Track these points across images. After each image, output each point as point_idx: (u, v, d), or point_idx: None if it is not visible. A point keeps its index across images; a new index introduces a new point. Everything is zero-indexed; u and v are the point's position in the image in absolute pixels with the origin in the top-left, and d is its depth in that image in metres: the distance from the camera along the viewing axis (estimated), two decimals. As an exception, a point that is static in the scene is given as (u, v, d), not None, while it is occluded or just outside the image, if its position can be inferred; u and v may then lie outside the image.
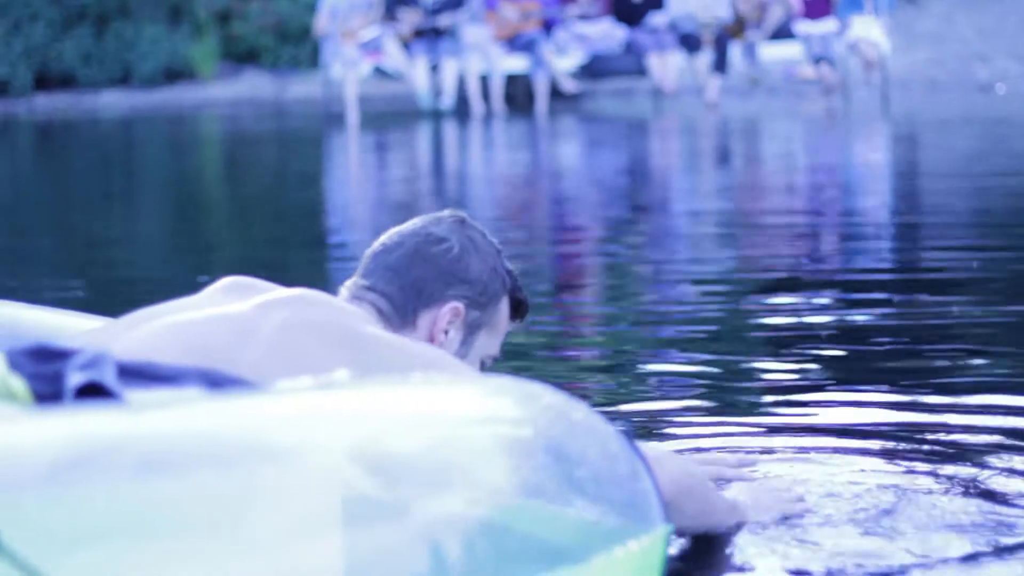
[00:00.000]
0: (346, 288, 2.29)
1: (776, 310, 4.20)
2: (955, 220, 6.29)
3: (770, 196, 7.70)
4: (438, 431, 1.42)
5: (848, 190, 7.80)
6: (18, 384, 1.57)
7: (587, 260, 5.54)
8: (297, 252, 5.81)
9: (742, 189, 8.06)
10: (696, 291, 4.66)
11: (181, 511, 1.30)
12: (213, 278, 2.26)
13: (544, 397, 1.56)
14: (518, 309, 2.36)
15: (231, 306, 2.12)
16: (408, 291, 2.25)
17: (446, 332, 2.26)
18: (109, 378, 1.59)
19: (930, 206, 7.00)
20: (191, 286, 2.31)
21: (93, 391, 1.59)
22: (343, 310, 2.15)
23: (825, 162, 9.80)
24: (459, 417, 1.47)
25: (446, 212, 2.35)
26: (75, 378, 1.57)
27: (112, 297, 4.74)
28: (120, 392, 1.58)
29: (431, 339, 2.26)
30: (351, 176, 9.77)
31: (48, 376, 1.59)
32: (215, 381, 1.72)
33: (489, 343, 2.32)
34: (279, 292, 2.16)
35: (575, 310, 4.46)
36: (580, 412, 1.58)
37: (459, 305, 2.26)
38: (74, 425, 1.40)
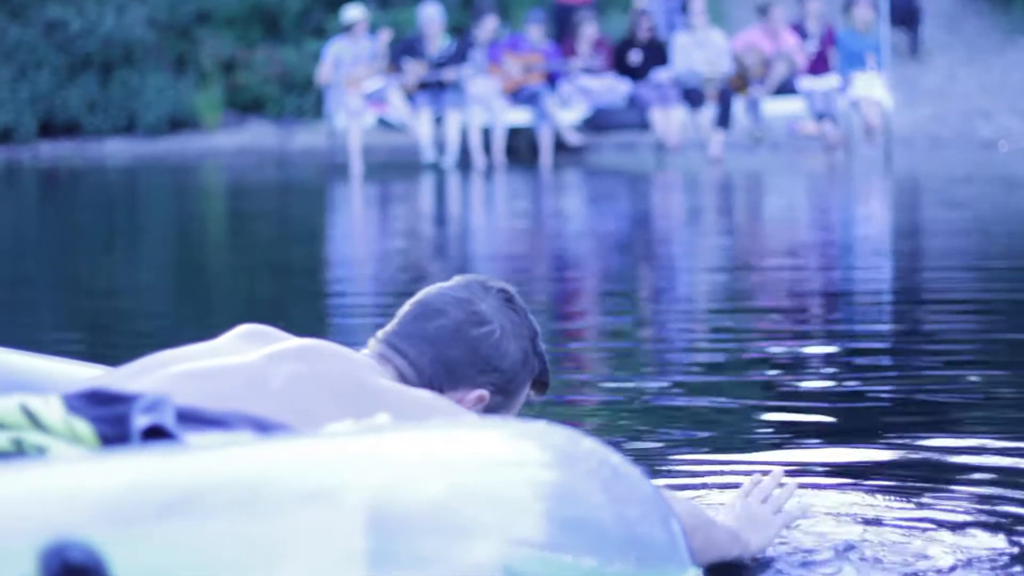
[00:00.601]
0: (376, 340, 2.27)
1: (774, 357, 4.20)
2: (956, 276, 6.29)
3: (771, 251, 7.70)
4: (465, 477, 1.41)
5: (849, 247, 7.81)
6: (83, 427, 1.59)
7: (587, 308, 5.54)
8: (298, 306, 5.80)
9: (743, 244, 8.07)
10: (695, 337, 4.65)
11: (220, 552, 1.31)
12: (213, 332, 2.26)
13: (573, 442, 1.54)
14: (540, 388, 2.35)
15: (241, 356, 2.13)
16: (438, 367, 2.22)
17: None
18: (169, 421, 1.61)
19: (931, 263, 7.00)
20: (190, 338, 2.31)
21: (154, 433, 1.61)
22: (353, 361, 2.15)
23: (827, 219, 9.81)
24: (485, 462, 1.45)
25: (495, 283, 2.31)
26: (140, 421, 1.59)
27: (111, 347, 4.74)
28: (180, 435, 1.60)
29: None
30: (353, 229, 9.79)
31: (111, 419, 1.60)
32: (262, 426, 1.75)
33: (504, 415, 2.32)
34: (289, 343, 2.17)
35: (573, 354, 4.46)
36: (610, 457, 1.57)
37: (485, 393, 2.25)
38: (171, 466, 1.41)
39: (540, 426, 1.55)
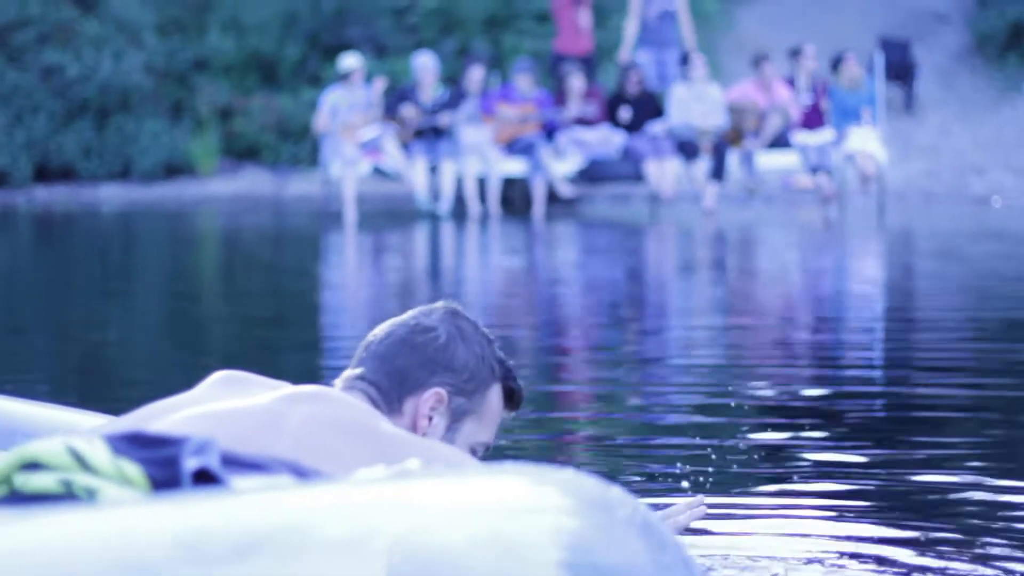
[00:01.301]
0: (341, 379, 2.34)
1: (764, 401, 4.20)
2: (946, 333, 6.30)
3: (763, 304, 7.71)
4: (488, 524, 1.40)
5: (840, 301, 7.82)
6: (133, 469, 1.57)
7: (577, 356, 5.54)
8: (289, 356, 5.80)
9: (734, 298, 8.08)
10: (684, 382, 4.65)
11: None
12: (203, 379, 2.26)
13: (600, 491, 1.54)
14: (511, 398, 2.39)
15: (251, 399, 2.15)
16: (393, 378, 2.31)
17: (430, 418, 2.30)
18: (216, 464, 1.60)
19: (922, 319, 7.01)
20: (181, 385, 2.31)
21: (201, 476, 1.60)
22: (359, 407, 2.19)
23: (819, 273, 9.82)
24: (510, 509, 1.45)
25: (439, 304, 2.40)
26: (191, 463, 1.58)
27: (102, 394, 4.74)
28: (226, 478, 1.60)
29: (414, 425, 2.30)
30: (346, 278, 9.79)
31: (161, 461, 1.59)
32: (298, 470, 1.76)
33: (479, 430, 2.35)
34: (297, 387, 2.20)
35: (562, 399, 4.45)
36: (637, 507, 1.57)
37: (441, 391, 2.31)
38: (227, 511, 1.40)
39: (567, 474, 1.56)
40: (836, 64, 16.00)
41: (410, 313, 2.38)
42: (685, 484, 3.20)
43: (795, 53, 16.11)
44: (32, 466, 1.58)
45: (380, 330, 2.38)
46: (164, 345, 6.45)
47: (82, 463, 1.57)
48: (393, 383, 2.31)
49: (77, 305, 8.03)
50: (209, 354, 6.07)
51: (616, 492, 1.54)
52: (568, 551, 1.41)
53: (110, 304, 8.23)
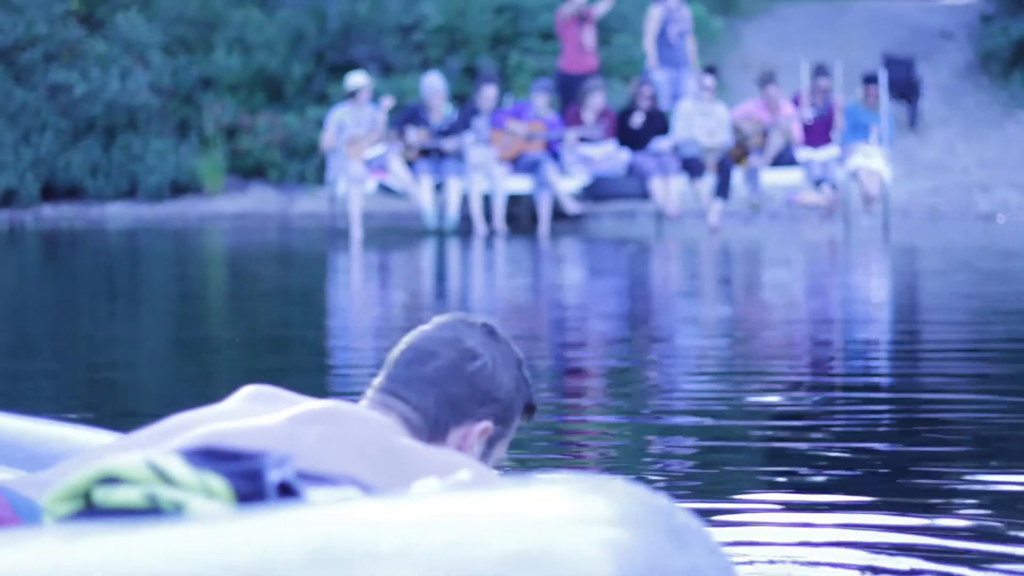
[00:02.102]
0: (373, 390, 2.33)
1: (773, 419, 4.22)
2: (953, 348, 6.32)
3: (769, 321, 7.74)
4: (534, 536, 1.39)
5: (846, 317, 7.84)
6: (217, 482, 1.56)
7: (586, 371, 5.56)
8: (296, 374, 5.82)
9: (738, 313, 8.10)
10: (691, 403, 4.67)
11: None
12: (211, 398, 2.28)
13: (644, 499, 1.54)
14: (529, 412, 2.43)
15: (265, 418, 2.16)
16: (443, 407, 2.30)
17: (472, 447, 2.33)
18: (292, 477, 1.60)
19: (927, 335, 7.03)
20: (188, 403, 2.33)
21: (280, 490, 1.60)
22: (376, 423, 2.20)
23: (823, 290, 9.85)
24: (556, 521, 1.44)
25: (476, 320, 2.39)
26: (274, 476, 1.57)
27: (109, 412, 4.76)
28: (303, 491, 1.60)
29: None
30: (353, 297, 9.82)
31: (244, 474, 1.57)
32: (363, 485, 1.76)
33: (503, 448, 2.40)
34: (310, 404, 2.20)
35: (573, 414, 4.48)
36: (679, 513, 1.57)
37: (489, 425, 2.33)
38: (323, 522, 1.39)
39: (611, 482, 1.56)
40: (867, 82, 16.05)
41: (447, 329, 2.35)
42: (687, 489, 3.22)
43: (818, 72, 16.06)
44: (110, 480, 1.56)
45: (420, 343, 2.34)
46: (170, 363, 6.48)
47: (164, 477, 1.55)
48: (442, 411, 2.30)
49: (83, 323, 8.06)
50: (215, 372, 6.10)
51: (663, 500, 1.55)
52: (621, 562, 1.40)
53: (116, 322, 8.26)
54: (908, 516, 3.10)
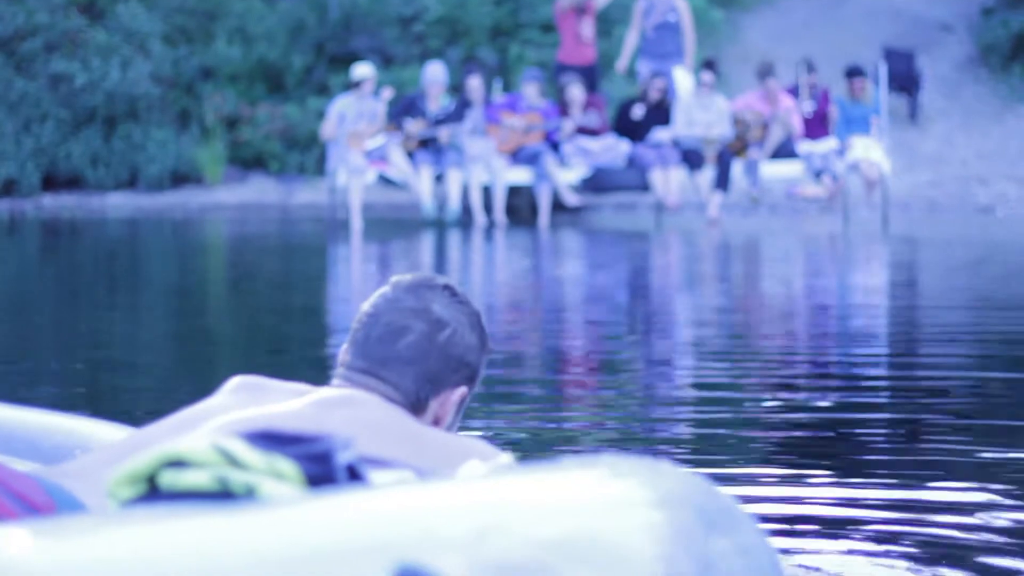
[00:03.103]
0: (344, 368, 2.35)
1: (770, 412, 4.24)
2: (951, 339, 6.34)
3: (767, 314, 7.76)
4: (574, 520, 1.39)
5: (845, 308, 7.87)
6: (286, 465, 1.54)
7: (585, 365, 5.59)
8: (296, 365, 5.85)
9: (737, 305, 8.13)
10: (691, 395, 4.70)
11: None
12: (211, 389, 2.30)
13: (681, 480, 1.54)
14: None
15: (283, 404, 2.19)
16: (422, 383, 2.34)
17: (449, 412, 2.37)
18: (357, 460, 1.60)
19: (926, 326, 7.06)
20: (188, 395, 2.35)
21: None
22: (389, 409, 2.23)
23: (823, 281, 9.87)
24: (601, 503, 1.44)
25: (436, 283, 2.39)
26: (343, 458, 1.56)
27: (108, 404, 4.79)
28: (367, 474, 1.60)
29: (437, 420, 2.36)
30: (353, 287, 9.85)
31: (313, 457, 1.56)
32: (415, 468, 1.78)
33: (465, 403, 2.44)
34: (324, 392, 2.24)
35: (571, 409, 4.50)
36: (718, 494, 1.57)
37: (465, 389, 2.38)
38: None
39: (650, 464, 1.55)
40: (849, 75, 16.04)
41: (410, 292, 2.36)
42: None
43: (809, 68, 16.10)
44: (176, 464, 1.54)
45: (389, 317, 2.34)
46: (168, 354, 6.50)
47: (232, 460, 1.54)
48: (421, 387, 2.33)
49: (83, 313, 8.09)
50: (214, 363, 6.13)
51: (703, 482, 1.56)
52: (664, 545, 1.40)
53: (115, 313, 8.29)
54: (915, 516, 3.12)
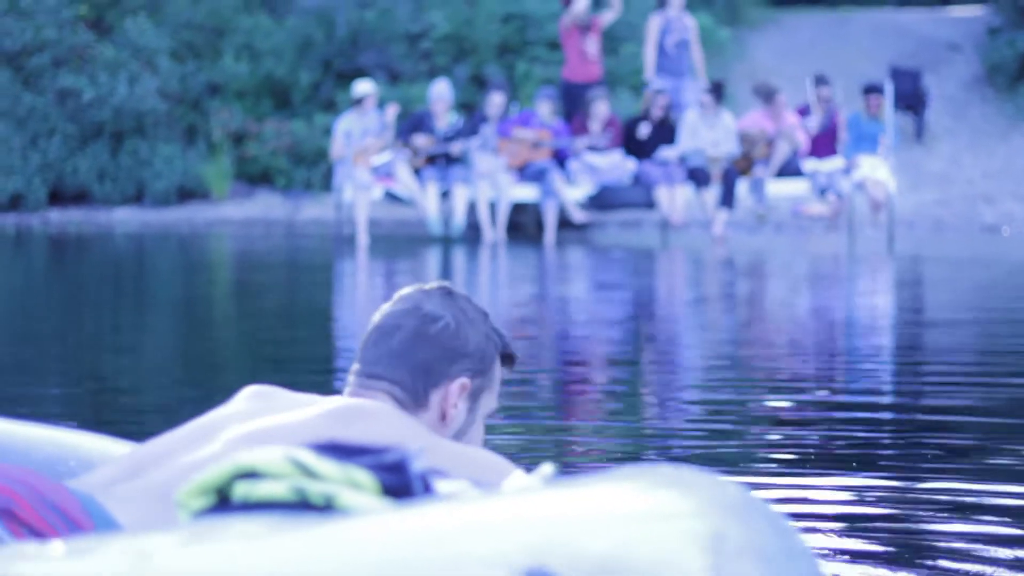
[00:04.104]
0: (352, 376, 2.38)
1: (776, 419, 4.25)
2: (955, 356, 6.35)
3: (772, 330, 7.77)
4: (625, 532, 1.38)
5: (850, 325, 7.87)
6: (363, 475, 1.52)
7: (590, 378, 5.60)
8: (302, 377, 5.86)
9: (741, 322, 8.14)
10: (695, 409, 4.71)
11: None
12: (216, 402, 2.31)
13: (725, 490, 1.54)
14: (509, 361, 2.48)
15: (297, 414, 2.18)
16: (416, 374, 2.35)
17: (455, 406, 2.36)
18: (427, 470, 1.59)
19: (931, 344, 7.07)
20: (194, 408, 2.36)
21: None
22: (405, 420, 2.24)
23: (827, 300, 9.88)
24: (644, 516, 1.43)
25: (431, 286, 2.44)
26: (417, 468, 1.55)
27: (113, 418, 4.80)
28: (434, 484, 1.59)
29: (443, 415, 2.36)
30: (358, 303, 9.86)
31: (387, 467, 1.54)
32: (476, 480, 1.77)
33: (490, 400, 2.44)
34: (338, 402, 2.23)
35: (576, 423, 4.51)
36: (760, 503, 1.56)
37: (465, 380, 2.37)
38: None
39: (689, 474, 1.54)
40: (867, 92, 16.08)
41: (406, 300, 2.40)
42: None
43: (818, 82, 16.13)
44: (250, 475, 1.52)
45: (383, 322, 2.39)
46: (172, 369, 6.52)
47: (307, 471, 1.51)
48: (417, 379, 2.35)
49: (89, 328, 8.11)
50: (219, 378, 6.14)
51: (741, 489, 1.55)
52: (709, 555, 1.40)
53: (121, 329, 8.31)
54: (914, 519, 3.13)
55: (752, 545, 1.46)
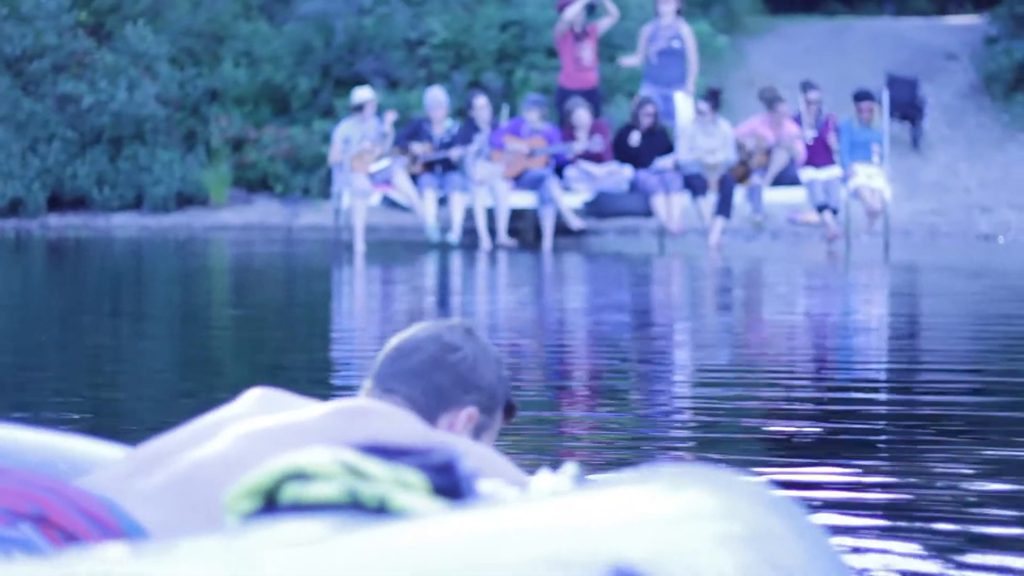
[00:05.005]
0: (364, 391, 2.42)
1: (772, 412, 4.29)
2: (946, 370, 6.39)
3: (767, 337, 7.81)
4: (663, 534, 1.38)
5: (842, 335, 7.92)
6: (413, 476, 1.52)
7: (584, 380, 5.64)
8: (300, 385, 5.90)
9: (737, 329, 8.18)
10: (694, 406, 4.74)
11: None
12: (212, 407, 2.34)
13: (757, 491, 1.54)
14: (510, 412, 2.54)
15: (303, 414, 2.19)
16: (429, 394, 2.40)
17: (460, 435, 2.40)
18: (472, 471, 1.58)
19: (926, 350, 7.11)
20: (191, 415, 2.39)
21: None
22: (414, 420, 2.27)
23: (822, 308, 9.93)
24: (680, 517, 1.43)
25: (454, 322, 2.51)
26: (465, 468, 1.55)
27: (111, 424, 4.84)
28: (476, 486, 1.59)
29: None
30: (356, 309, 9.90)
31: (436, 467, 1.54)
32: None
33: (487, 442, 2.48)
34: (345, 403, 2.25)
35: (571, 423, 4.55)
36: (792, 504, 1.57)
37: (474, 410, 2.42)
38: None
39: (714, 474, 1.54)
40: (857, 99, 16.11)
41: (428, 329, 2.47)
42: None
43: (806, 88, 16.23)
44: (300, 477, 1.51)
45: (402, 344, 2.45)
46: (169, 375, 6.56)
47: (356, 472, 1.51)
48: (430, 400, 2.39)
49: (86, 334, 8.14)
50: (217, 383, 6.17)
51: (769, 490, 1.56)
52: (739, 556, 1.41)
53: (118, 335, 8.34)
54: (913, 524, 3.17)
55: (782, 546, 1.46)
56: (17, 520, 1.84)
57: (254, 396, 2.31)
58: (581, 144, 15.81)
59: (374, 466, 1.51)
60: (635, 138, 15.90)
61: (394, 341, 2.47)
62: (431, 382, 2.40)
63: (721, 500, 1.49)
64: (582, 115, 15.83)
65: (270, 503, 1.52)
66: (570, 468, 1.80)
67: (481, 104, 15.83)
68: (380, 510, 1.48)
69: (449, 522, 1.31)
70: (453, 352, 2.43)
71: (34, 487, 1.91)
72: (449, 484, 1.53)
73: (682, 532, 1.39)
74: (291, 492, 1.51)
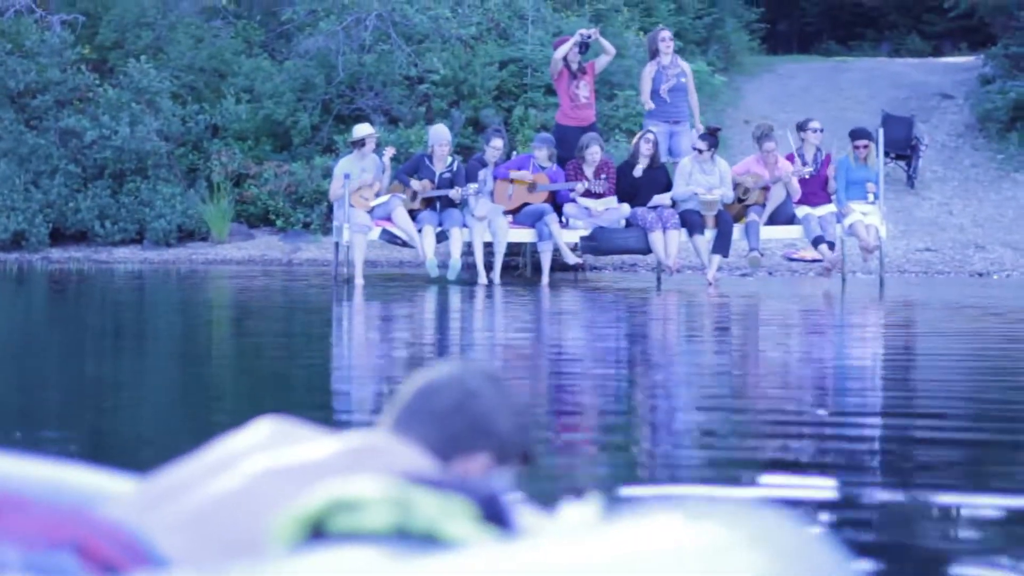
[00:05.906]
0: (382, 427, 2.42)
1: (765, 446, 4.36)
2: (944, 402, 6.47)
3: (764, 374, 7.89)
4: (703, 563, 1.40)
5: (840, 371, 8.00)
6: (462, 506, 1.53)
7: (583, 415, 5.70)
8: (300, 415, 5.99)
9: (734, 365, 8.26)
10: (688, 441, 4.82)
11: None
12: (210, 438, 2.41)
13: (778, 522, 1.56)
14: (525, 460, 2.53)
15: (318, 449, 2.21)
16: (446, 438, 2.39)
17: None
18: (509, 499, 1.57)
19: (920, 389, 7.19)
20: (192, 448, 2.44)
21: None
22: (426, 461, 2.30)
23: (818, 344, 10.01)
24: (701, 550, 1.45)
25: (478, 367, 2.51)
26: (509, 497, 1.55)
27: (109, 454, 4.91)
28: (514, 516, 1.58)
29: None
30: (355, 343, 9.99)
31: (483, 499, 1.55)
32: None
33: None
34: (358, 439, 2.29)
35: (570, 453, 4.62)
36: (801, 526, 1.59)
37: (488, 460, 2.42)
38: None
39: (743, 509, 1.56)
40: (853, 138, 16.24)
41: (453, 370, 2.46)
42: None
43: (801, 127, 16.39)
44: (349, 507, 1.53)
45: (427, 387, 2.44)
46: (169, 408, 6.63)
47: (403, 501, 1.52)
48: (446, 443, 2.38)
49: (88, 366, 8.22)
50: (216, 417, 6.25)
51: (788, 517, 1.59)
52: None
53: (118, 368, 8.42)
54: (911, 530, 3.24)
55: (801, 571, 1.48)
56: (55, 549, 1.86)
57: (267, 427, 2.34)
58: (583, 186, 15.91)
59: (422, 495, 1.54)
60: (639, 170, 16.02)
61: (418, 380, 2.47)
62: (448, 426, 2.40)
63: (748, 531, 1.51)
64: (595, 152, 15.94)
65: (317, 532, 1.54)
66: (594, 500, 1.82)
67: (498, 146, 15.99)
68: (428, 539, 1.50)
69: (501, 554, 1.34)
70: (474, 398, 2.43)
71: (68, 517, 1.93)
72: (495, 513, 1.55)
73: (716, 564, 1.41)
74: (340, 521, 1.54)
